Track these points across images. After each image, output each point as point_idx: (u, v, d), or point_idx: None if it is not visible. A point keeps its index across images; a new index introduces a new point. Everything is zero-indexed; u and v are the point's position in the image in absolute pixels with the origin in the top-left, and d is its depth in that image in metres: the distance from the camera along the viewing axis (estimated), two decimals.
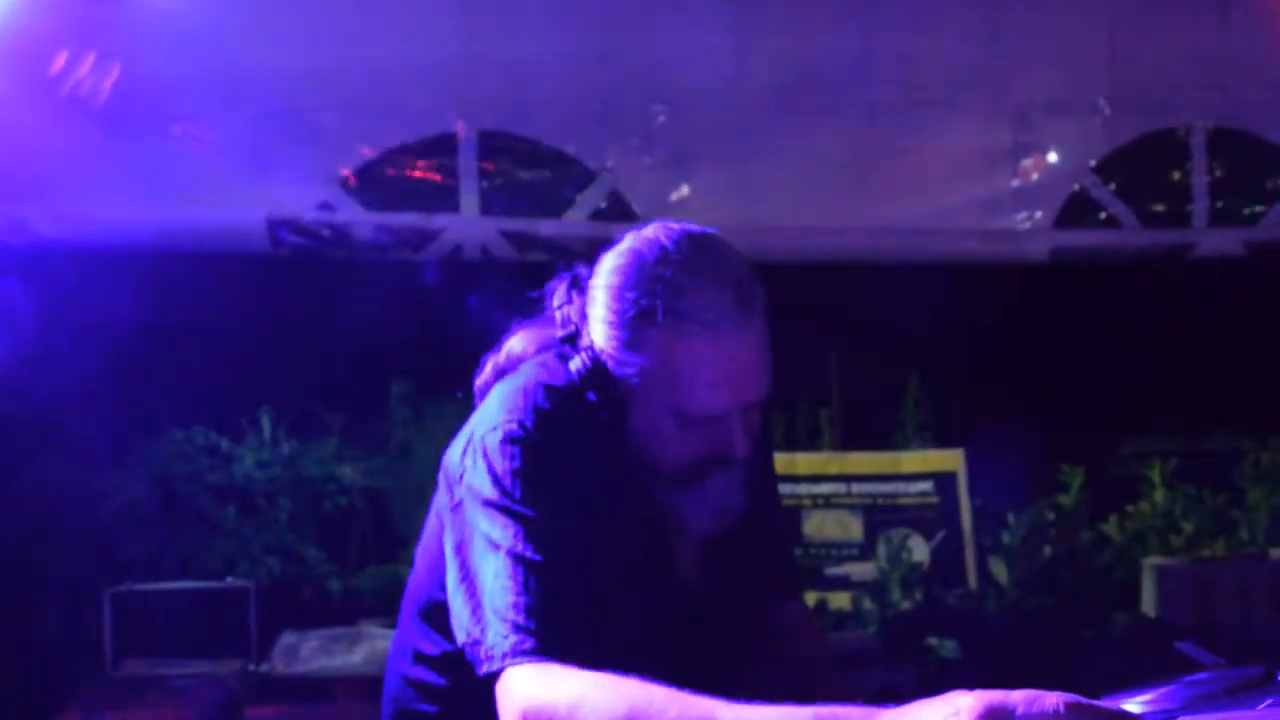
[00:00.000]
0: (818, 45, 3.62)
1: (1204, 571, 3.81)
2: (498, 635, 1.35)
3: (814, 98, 3.62)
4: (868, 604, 3.77)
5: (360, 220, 3.54)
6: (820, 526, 3.99)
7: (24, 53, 3.13)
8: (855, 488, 4.02)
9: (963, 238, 3.79)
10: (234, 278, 3.57)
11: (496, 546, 1.38)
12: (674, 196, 3.63)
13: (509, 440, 1.43)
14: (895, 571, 3.82)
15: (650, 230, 1.49)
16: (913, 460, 4.06)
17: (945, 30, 3.66)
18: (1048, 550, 3.94)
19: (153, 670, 3.25)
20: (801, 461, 4.06)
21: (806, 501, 4.00)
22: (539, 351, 1.57)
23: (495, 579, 1.37)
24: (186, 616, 3.38)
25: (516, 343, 1.60)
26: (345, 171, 3.52)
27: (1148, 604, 3.87)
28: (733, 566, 1.59)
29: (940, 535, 3.96)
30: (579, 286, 1.54)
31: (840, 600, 3.84)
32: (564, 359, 1.50)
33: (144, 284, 3.51)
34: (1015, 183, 3.77)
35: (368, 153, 3.54)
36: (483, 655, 1.36)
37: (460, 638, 1.40)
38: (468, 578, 1.41)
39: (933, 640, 3.66)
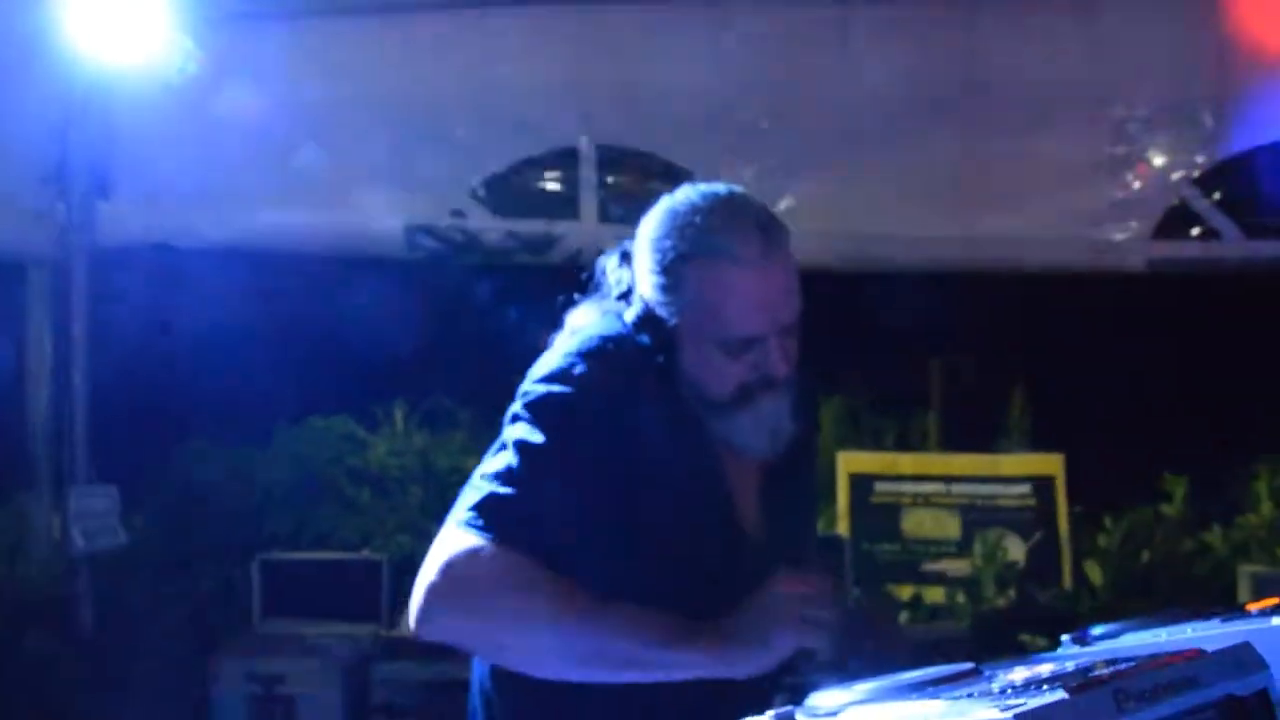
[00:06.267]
0: (923, 59, 3.77)
1: None
2: (465, 505, 1.61)
3: (918, 110, 3.77)
4: (961, 598, 3.90)
5: (490, 226, 3.85)
6: (919, 524, 4.13)
7: (193, 82, 3.52)
8: (955, 488, 4.14)
9: (1062, 247, 3.90)
10: (372, 279, 3.91)
11: (504, 448, 1.63)
12: (779, 206, 3.83)
13: (551, 378, 1.65)
14: (990, 568, 3.94)
15: (680, 191, 1.73)
16: (1012, 463, 4.16)
17: (1049, 43, 3.78)
18: (1145, 555, 3.99)
19: (294, 629, 3.60)
20: (905, 461, 4.20)
21: (907, 499, 4.14)
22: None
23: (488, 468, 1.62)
24: (325, 584, 3.71)
25: (579, 316, 1.81)
26: (476, 182, 3.83)
27: None
28: (785, 510, 1.79)
29: (1037, 536, 4.06)
30: (628, 257, 1.76)
31: (935, 595, 3.97)
32: (620, 315, 1.73)
33: (292, 284, 3.89)
34: (1116, 194, 3.86)
35: (497, 165, 3.84)
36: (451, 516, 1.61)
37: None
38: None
39: (1024, 637, 3.76)
